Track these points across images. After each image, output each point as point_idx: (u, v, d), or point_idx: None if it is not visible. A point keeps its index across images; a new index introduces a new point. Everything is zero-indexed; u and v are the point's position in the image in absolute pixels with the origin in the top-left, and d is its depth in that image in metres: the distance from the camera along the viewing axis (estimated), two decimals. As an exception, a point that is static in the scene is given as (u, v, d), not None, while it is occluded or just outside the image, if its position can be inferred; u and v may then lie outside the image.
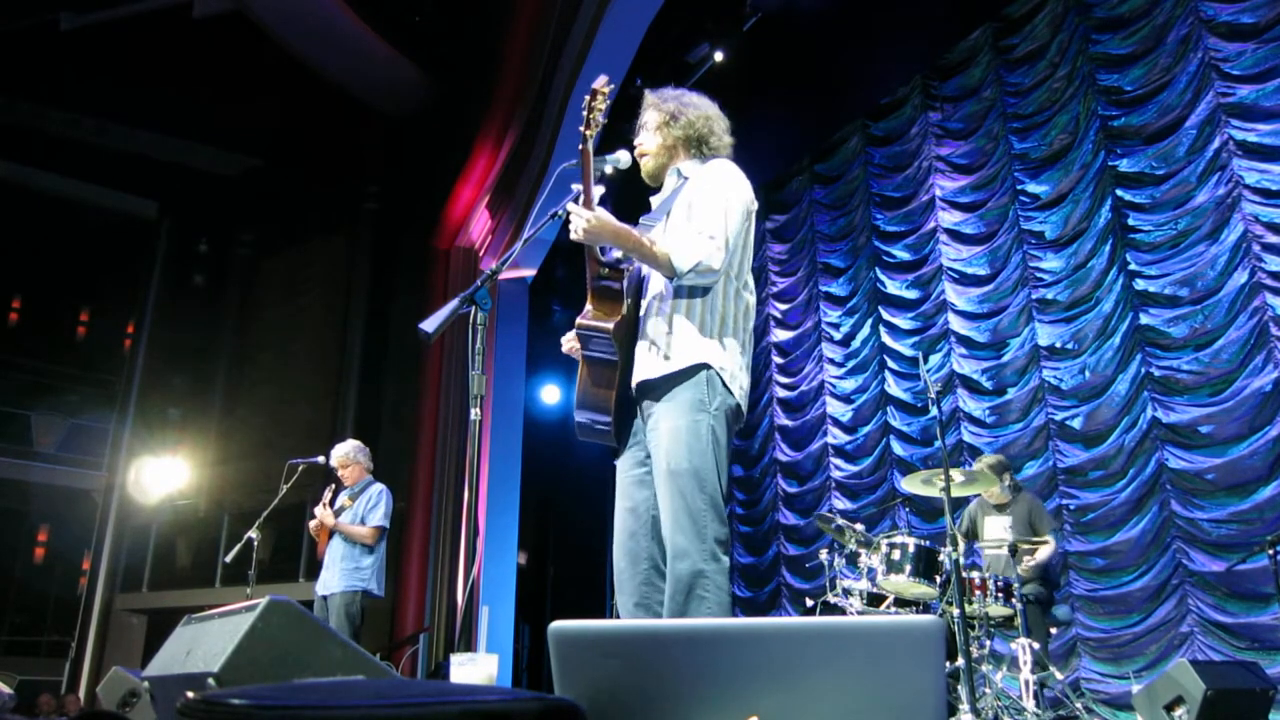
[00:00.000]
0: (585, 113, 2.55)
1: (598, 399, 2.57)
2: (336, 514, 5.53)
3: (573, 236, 2.46)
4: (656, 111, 2.75)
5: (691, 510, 2.40)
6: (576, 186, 2.56)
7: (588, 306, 2.59)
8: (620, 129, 2.88)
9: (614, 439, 2.62)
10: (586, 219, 2.43)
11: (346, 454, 5.75)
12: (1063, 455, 6.57)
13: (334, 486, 5.68)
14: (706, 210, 2.54)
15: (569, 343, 2.72)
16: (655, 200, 2.82)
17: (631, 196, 2.62)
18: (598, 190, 2.55)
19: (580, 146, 2.56)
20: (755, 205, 2.71)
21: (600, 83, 2.54)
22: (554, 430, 9.96)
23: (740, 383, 2.58)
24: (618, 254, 2.60)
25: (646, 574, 2.52)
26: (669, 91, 2.80)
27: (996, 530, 5.20)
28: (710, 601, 2.34)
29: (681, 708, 1.25)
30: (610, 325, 2.53)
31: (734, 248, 2.58)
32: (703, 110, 2.76)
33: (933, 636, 1.18)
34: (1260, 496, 5.42)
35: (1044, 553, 5.15)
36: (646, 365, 2.55)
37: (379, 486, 5.63)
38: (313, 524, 5.53)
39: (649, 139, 2.76)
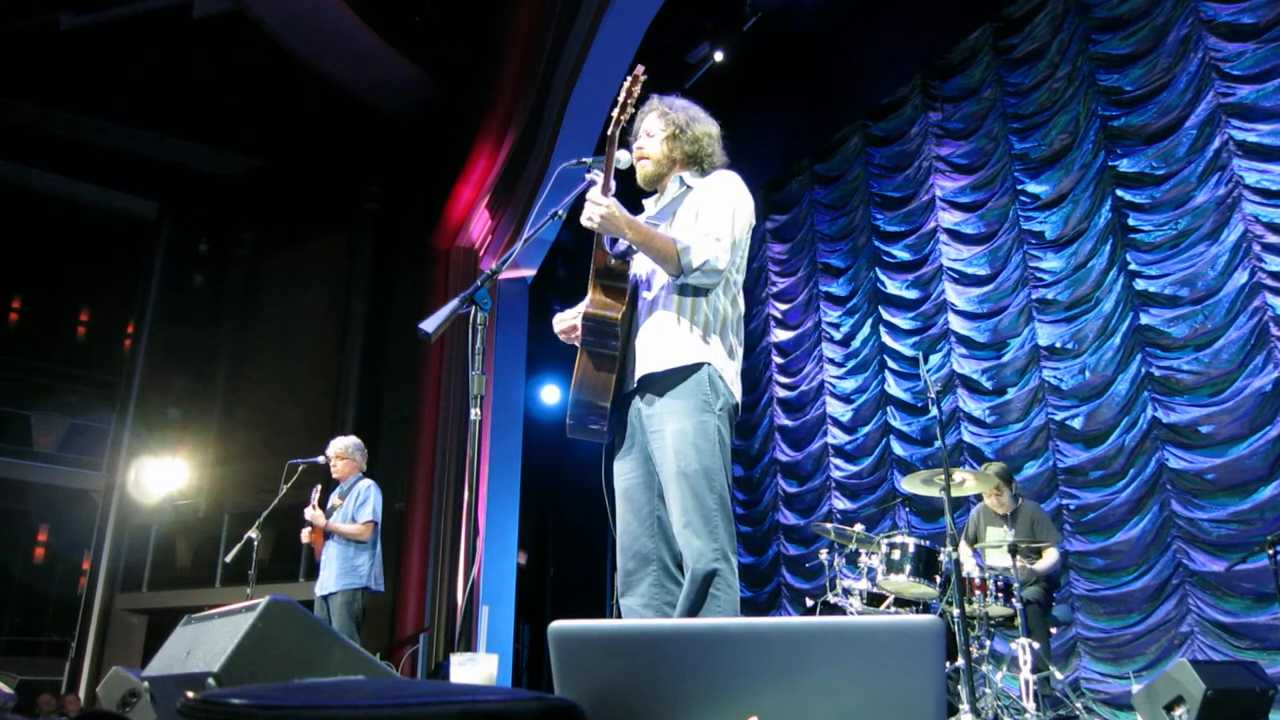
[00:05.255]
0: (622, 96, 2.55)
1: (597, 386, 2.56)
2: (327, 514, 5.53)
3: (585, 223, 2.45)
4: (664, 120, 2.74)
5: (704, 511, 2.41)
6: (590, 175, 2.56)
7: (591, 297, 2.59)
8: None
9: (606, 436, 2.61)
10: (603, 207, 2.43)
11: (345, 448, 5.75)
12: (1063, 455, 6.57)
13: (321, 487, 5.67)
14: (715, 214, 2.56)
15: (564, 323, 2.70)
16: (650, 203, 2.82)
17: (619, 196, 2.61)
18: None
19: (609, 131, 2.56)
20: (754, 221, 2.73)
21: (640, 70, 2.55)
22: (554, 430, 9.95)
23: (737, 384, 2.60)
24: (623, 246, 2.60)
25: (656, 575, 2.52)
26: (678, 102, 2.79)
27: (998, 539, 5.18)
28: (722, 600, 2.36)
29: (681, 707, 1.25)
30: (617, 315, 2.54)
31: (737, 252, 2.60)
32: (708, 129, 2.76)
33: (933, 636, 1.18)
34: (1260, 496, 5.42)
35: (1044, 563, 5.13)
36: (649, 360, 2.55)
37: (367, 482, 5.62)
38: (305, 533, 5.53)
39: (653, 145, 2.74)
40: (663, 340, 2.54)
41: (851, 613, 4.80)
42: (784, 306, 9.39)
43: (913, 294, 8.03)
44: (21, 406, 13.16)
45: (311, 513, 5.47)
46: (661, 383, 2.53)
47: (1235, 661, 4.87)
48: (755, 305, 9.49)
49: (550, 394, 10.39)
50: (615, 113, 2.55)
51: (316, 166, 12.34)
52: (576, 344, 2.66)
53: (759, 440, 9.43)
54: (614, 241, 2.61)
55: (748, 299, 2.78)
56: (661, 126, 2.73)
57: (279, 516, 5.92)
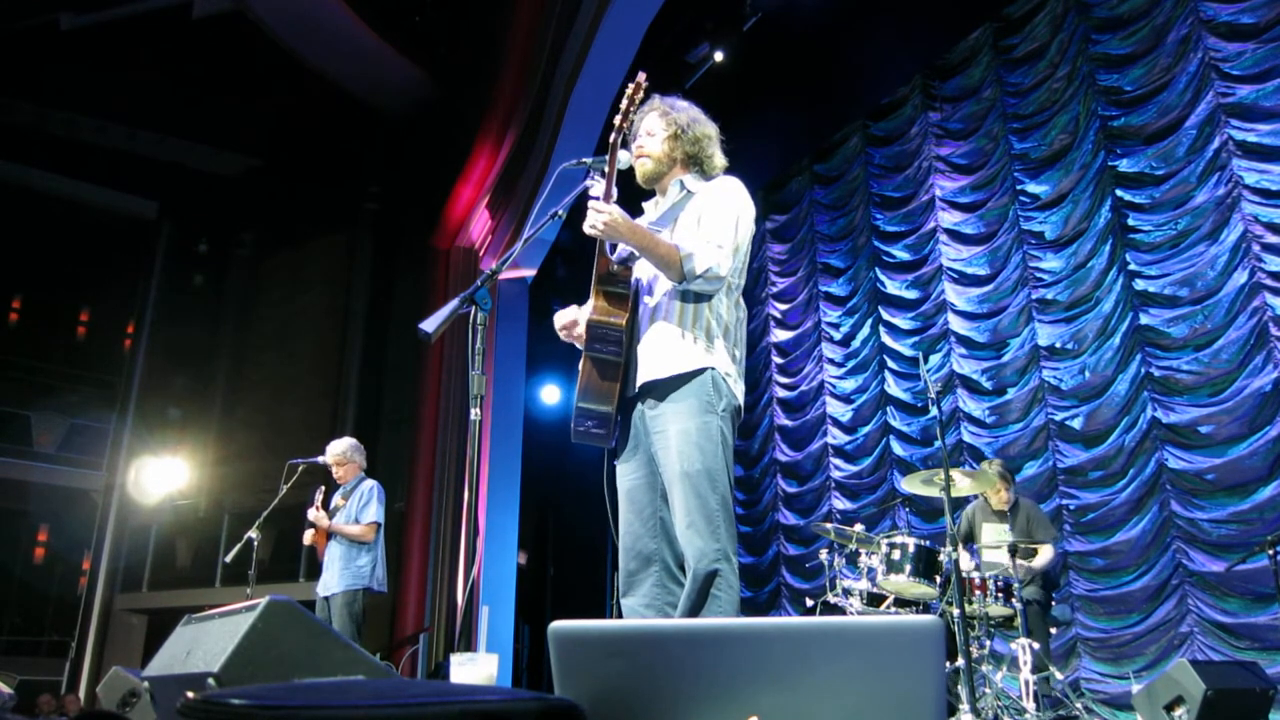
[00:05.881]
0: (624, 104, 2.55)
1: (601, 393, 2.57)
2: (330, 515, 5.53)
3: (588, 230, 2.46)
4: (665, 120, 2.74)
5: (707, 511, 2.41)
6: (589, 180, 2.56)
7: (594, 303, 2.59)
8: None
9: (610, 440, 2.62)
10: (606, 214, 2.43)
11: (343, 452, 5.76)
12: (1063, 455, 6.57)
13: (324, 488, 5.68)
14: (718, 220, 2.57)
15: (565, 319, 2.70)
16: (650, 206, 2.83)
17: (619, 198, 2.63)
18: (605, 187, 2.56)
19: (611, 139, 2.57)
20: (754, 227, 2.74)
21: (642, 77, 2.55)
22: (554, 430, 9.96)
23: (740, 386, 2.61)
24: (625, 252, 2.61)
25: (658, 576, 2.53)
26: (680, 103, 2.80)
27: (994, 537, 5.19)
28: (723, 600, 2.36)
29: (681, 707, 1.25)
30: (621, 322, 2.54)
31: (739, 258, 2.61)
32: (708, 130, 2.78)
33: (933, 636, 1.18)
34: (1260, 496, 5.42)
35: (1040, 560, 5.14)
36: (652, 366, 2.56)
37: (370, 483, 5.63)
38: (307, 535, 5.53)
39: (654, 145, 2.74)
40: (666, 347, 2.55)
41: (851, 613, 4.80)
42: (784, 306, 9.39)
43: (913, 294, 8.03)
44: (21, 406, 13.16)
45: (314, 514, 5.48)
46: (665, 388, 2.53)
47: (1235, 661, 4.87)
48: (755, 305, 9.49)
49: (550, 394, 10.39)
50: (617, 120, 2.56)
51: (316, 166, 12.34)
52: (576, 344, 2.66)
53: (759, 440, 9.43)
54: (615, 246, 2.61)
55: (747, 300, 2.78)
56: (663, 126, 2.74)
57: (279, 516, 5.92)
